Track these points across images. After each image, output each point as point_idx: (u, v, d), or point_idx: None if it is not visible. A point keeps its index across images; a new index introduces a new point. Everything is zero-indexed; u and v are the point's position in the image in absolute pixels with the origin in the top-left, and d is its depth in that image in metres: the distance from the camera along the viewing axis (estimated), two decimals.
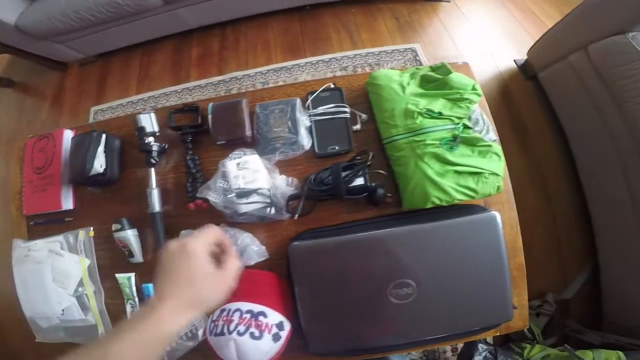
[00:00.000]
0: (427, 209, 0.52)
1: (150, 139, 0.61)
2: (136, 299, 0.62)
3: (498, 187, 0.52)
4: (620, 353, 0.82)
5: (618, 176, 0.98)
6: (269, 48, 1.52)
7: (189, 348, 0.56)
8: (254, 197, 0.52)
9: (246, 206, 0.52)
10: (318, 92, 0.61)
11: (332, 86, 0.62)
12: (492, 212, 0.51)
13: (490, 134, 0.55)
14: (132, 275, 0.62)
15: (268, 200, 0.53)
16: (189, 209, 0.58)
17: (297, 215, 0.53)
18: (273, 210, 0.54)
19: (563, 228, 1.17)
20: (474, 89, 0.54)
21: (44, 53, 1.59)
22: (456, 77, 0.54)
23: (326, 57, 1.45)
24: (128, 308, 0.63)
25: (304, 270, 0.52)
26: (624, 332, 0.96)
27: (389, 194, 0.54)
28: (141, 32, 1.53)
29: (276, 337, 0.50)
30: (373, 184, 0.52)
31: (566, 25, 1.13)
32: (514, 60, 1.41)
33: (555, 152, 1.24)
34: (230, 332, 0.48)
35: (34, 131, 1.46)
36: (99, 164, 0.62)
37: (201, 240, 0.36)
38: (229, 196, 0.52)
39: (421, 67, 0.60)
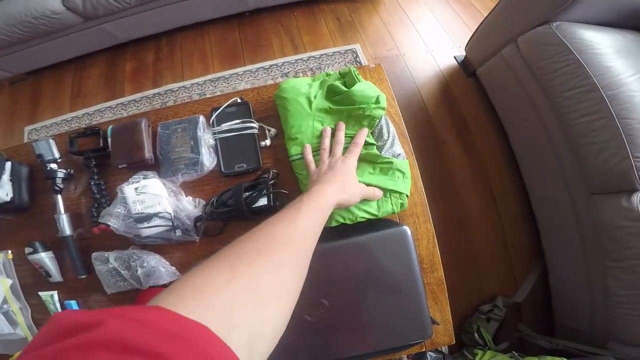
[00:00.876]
0: (337, 227, 0.51)
1: (54, 166, 0.59)
2: None
3: (402, 205, 0.51)
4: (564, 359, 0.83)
5: (556, 173, 0.98)
6: (205, 58, 1.48)
7: None
8: (155, 221, 0.50)
9: (147, 230, 0.51)
10: (222, 107, 0.59)
11: (239, 100, 0.60)
12: (403, 226, 0.49)
13: (394, 148, 0.52)
14: (55, 293, 0.62)
15: (170, 224, 0.51)
16: (95, 233, 0.57)
17: (198, 238, 0.51)
18: (179, 232, 0.52)
19: (510, 229, 1.16)
20: (377, 101, 0.51)
21: None
22: (360, 89, 0.52)
23: (267, 63, 1.43)
24: None
25: None
26: (573, 335, 0.97)
27: None
28: (69, 48, 1.45)
29: None
30: (278, 203, 0.51)
31: (496, 16, 1.12)
32: (454, 57, 1.41)
33: (498, 151, 1.24)
34: None
35: None
36: (5, 192, 0.59)
37: (354, 158, 0.49)
38: (127, 221, 0.51)
39: (331, 73, 0.58)
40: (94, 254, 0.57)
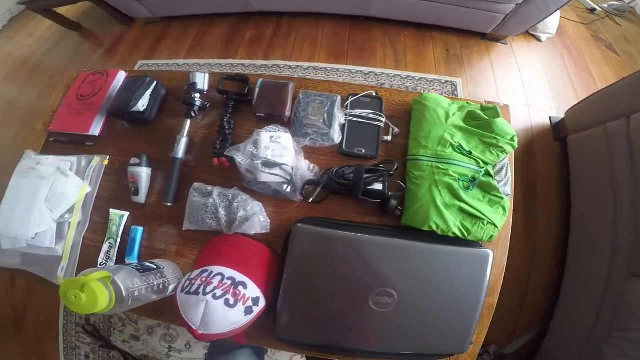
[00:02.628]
0: (424, 231, 0.53)
1: (197, 95, 0.65)
2: (118, 240, 0.62)
3: (491, 237, 0.54)
4: None
5: (606, 252, 0.98)
6: (315, 46, 1.58)
7: (150, 301, 0.53)
8: (277, 171, 0.55)
9: (267, 176, 0.54)
10: (360, 95, 0.64)
11: (374, 94, 0.65)
12: (487, 250, 0.52)
13: (507, 187, 0.56)
14: (126, 214, 0.63)
15: (288, 178, 0.55)
16: (212, 164, 0.61)
17: (311, 200, 0.56)
18: (289, 189, 0.57)
19: (533, 289, 1.18)
20: (512, 139, 0.55)
21: (120, 6, 1.71)
22: (500, 123, 0.55)
23: (366, 69, 1.49)
24: (105, 247, 0.62)
25: (301, 253, 0.52)
26: None
27: (399, 207, 0.56)
28: (208, 4, 1.63)
29: (248, 311, 0.49)
30: (390, 193, 0.55)
31: (617, 89, 1.08)
32: (549, 117, 1.38)
33: (555, 218, 1.23)
34: (205, 293, 0.47)
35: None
36: (142, 104, 0.66)
37: None
38: (255, 162, 0.54)
39: (472, 103, 0.62)
40: (195, 184, 0.60)
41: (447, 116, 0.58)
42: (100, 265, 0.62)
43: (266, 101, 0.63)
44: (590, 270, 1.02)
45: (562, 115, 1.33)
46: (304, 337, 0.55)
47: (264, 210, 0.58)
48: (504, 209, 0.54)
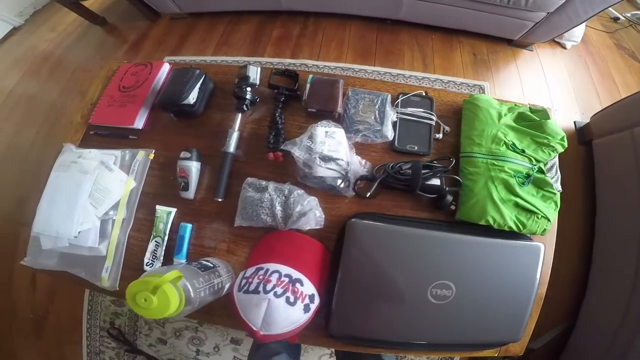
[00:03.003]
0: (478, 226, 0.55)
1: (248, 89, 0.65)
2: (166, 238, 0.60)
3: (544, 230, 0.56)
4: None
5: (632, 251, 0.99)
6: (342, 47, 1.59)
7: (206, 303, 0.50)
8: (333, 165, 0.56)
9: (324, 170, 0.55)
10: (410, 95, 0.65)
11: (424, 94, 0.66)
12: (538, 243, 0.54)
13: (557, 185, 0.58)
14: (174, 210, 0.61)
15: (344, 172, 0.56)
16: (263, 159, 0.61)
17: (368, 194, 0.57)
18: (343, 184, 0.57)
19: (559, 286, 1.18)
20: (562, 139, 0.58)
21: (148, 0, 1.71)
22: (551, 124, 0.58)
23: (394, 71, 1.50)
24: (151, 246, 0.60)
25: (357, 248, 0.52)
26: None
27: (454, 202, 0.57)
28: (236, 1, 1.65)
29: (306, 309, 0.48)
30: (447, 188, 0.56)
31: None
32: (574, 122, 1.40)
33: (580, 222, 1.24)
34: (266, 292, 0.46)
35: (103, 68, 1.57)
36: (192, 97, 0.66)
37: None
38: (312, 156, 0.55)
39: (520, 105, 0.64)
40: (249, 179, 0.60)
41: (500, 116, 0.59)
42: (146, 265, 0.60)
43: (318, 97, 0.64)
44: (617, 271, 1.04)
45: (586, 120, 1.35)
46: (360, 333, 0.55)
47: (319, 205, 0.58)
48: (555, 204, 0.56)
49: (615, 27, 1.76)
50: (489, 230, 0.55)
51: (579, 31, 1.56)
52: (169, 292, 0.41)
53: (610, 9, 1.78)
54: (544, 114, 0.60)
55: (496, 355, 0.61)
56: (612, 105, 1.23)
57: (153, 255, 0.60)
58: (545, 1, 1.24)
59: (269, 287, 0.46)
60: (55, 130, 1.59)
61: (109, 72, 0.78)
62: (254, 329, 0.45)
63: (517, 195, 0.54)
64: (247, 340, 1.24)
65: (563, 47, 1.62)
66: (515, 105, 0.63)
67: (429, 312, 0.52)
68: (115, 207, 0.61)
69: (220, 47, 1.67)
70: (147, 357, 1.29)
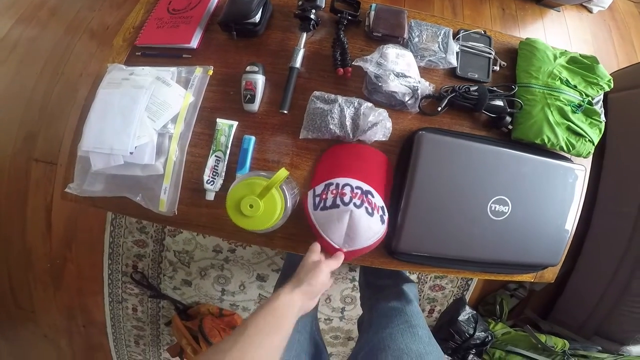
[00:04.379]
0: (531, 146, 0.63)
1: (313, 10, 0.66)
2: (228, 151, 0.60)
3: (589, 153, 0.65)
4: (566, 341, 1.04)
5: (636, 192, 1.10)
6: None
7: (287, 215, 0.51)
8: (404, 81, 0.60)
9: (396, 85, 0.59)
10: (471, 31, 0.72)
11: (482, 32, 0.72)
12: (582, 165, 0.63)
13: (602, 116, 0.66)
14: (236, 123, 0.62)
15: (414, 88, 0.61)
16: (337, 74, 0.65)
17: (439, 109, 0.62)
18: (411, 100, 0.62)
19: None
20: (609, 81, 0.66)
21: None
22: (601, 67, 0.66)
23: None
24: (210, 162, 0.60)
25: (424, 161, 0.55)
26: (562, 326, 1.23)
27: (511, 124, 0.64)
28: None
29: (382, 220, 0.49)
30: (508, 109, 0.63)
31: None
32: None
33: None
34: (345, 204, 0.45)
35: None
36: (258, 16, 0.66)
37: (327, 269, 0.46)
38: (386, 71, 0.58)
39: (571, 51, 0.71)
40: (316, 92, 0.62)
41: (555, 57, 0.67)
42: (207, 183, 0.60)
43: (384, 23, 0.67)
44: (620, 211, 1.15)
45: None
46: (423, 249, 0.58)
47: (389, 118, 0.61)
48: (600, 130, 0.65)
49: None
50: (540, 151, 0.63)
51: None
52: (277, 195, 0.38)
53: None
54: (593, 59, 0.68)
55: (532, 280, 0.69)
56: (629, 66, 1.34)
57: (213, 171, 0.61)
58: None
59: (346, 199, 0.47)
60: (61, 68, 1.54)
61: None
62: (336, 247, 0.45)
63: (569, 120, 0.62)
64: (273, 277, 1.31)
65: (590, 11, 1.68)
66: (566, 51, 0.71)
67: (487, 228, 0.58)
68: (173, 120, 0.60)
69: None
70: (172, 302, 1.30)
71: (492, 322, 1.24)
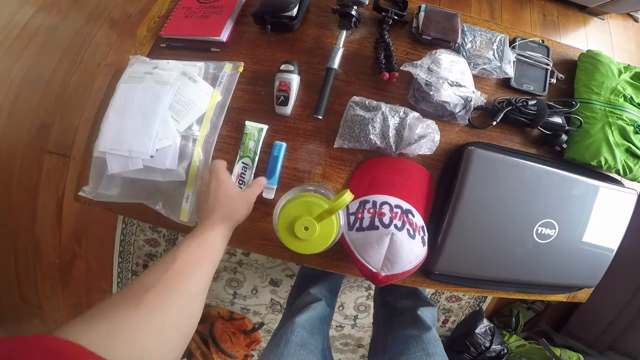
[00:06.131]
0: (583, 166, 0.60)
1: (355, 7, 0.62)
2: (256, 158, 0.57)
3: None
4: (580, 355, 1.06)
5: None
6: None
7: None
8: (458, 91, 0.57)
9: (449, 95, 0.56)
10: (528, 40, 0.69)
11: (540, 41, 0.70)
12: (635, 190, 0.60)
13: None
14: (266, 127, 0.59)
15: (467, 99, 0.58)
16: (381, 78, 0.61)
17: (494, 122, 0.60)
18: (462, 112, 0.59)
19: None
20: None
21: None
22: None
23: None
24: (237, 169, 0.57)
25: (473, 179, 0.53)
26: (579, 340, 1.23)
27: (566, 143, 0.61)
28: None
29: (423, 241, 0.46)
30: (567, 127, 0.60)
31: None
32: None
33: None
34: (386, 226, 0.42)
35: None
36: (295, 9, 0.63)
37: (224, 171, 0.48)
38: (439, 79, 0.55)
39: (634, 66, 0.68)
40: (355, 97, 0.58)
41: (620, 72, 0.64)
42: None
43: (436, 25, 0.65)
44: None
45: None
46: (461, 271, 0.57)
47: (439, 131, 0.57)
48: None
49: None
50: (591, 172, 0.60)
51: None
52: (335, 219, 0.34)
53: None
54: None
55: (565, 300, 0.67)
56: None
57: (240, 179, 0.58)
58: None
59: (385, 220, 0.43)
60: (80, 57, 1.55)
61: None
62: (374, 270, 0.42)
63: (630, 141, 0.59)
64: (286, 282, 1.30)
65: (635, 20, 1.63)
66: (629, 65, 0.68)
67: (530, 250, 0.56)
68: (199, 121, 0.56)
69: None
70: None
71: (506, 334, 1.26)
